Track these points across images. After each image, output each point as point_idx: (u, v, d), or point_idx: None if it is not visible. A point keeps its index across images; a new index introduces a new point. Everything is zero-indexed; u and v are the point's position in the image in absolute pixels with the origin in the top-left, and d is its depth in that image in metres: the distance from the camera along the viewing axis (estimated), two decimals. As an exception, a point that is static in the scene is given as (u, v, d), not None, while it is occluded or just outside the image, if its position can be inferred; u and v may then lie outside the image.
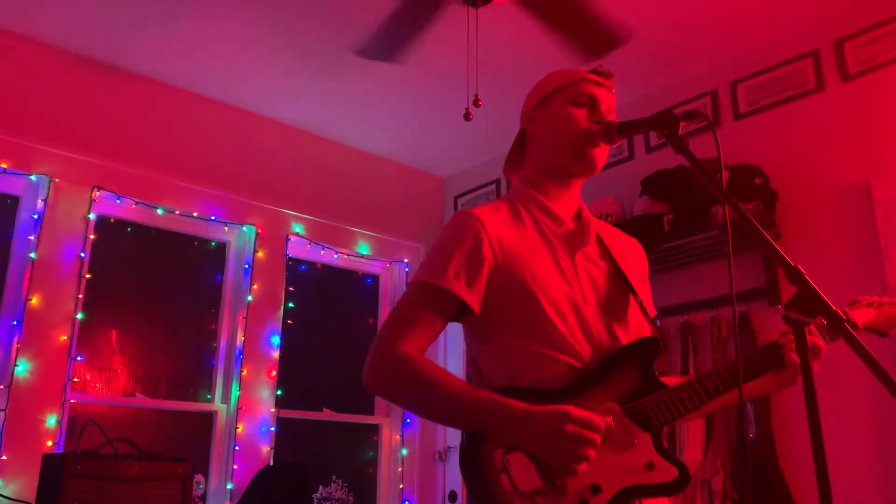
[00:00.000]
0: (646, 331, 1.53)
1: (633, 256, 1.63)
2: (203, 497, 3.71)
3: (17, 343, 3.29)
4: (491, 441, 1.32)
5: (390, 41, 3.11)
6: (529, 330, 1.42)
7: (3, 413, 3.19)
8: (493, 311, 1.45)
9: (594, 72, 1.56)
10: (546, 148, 1.57)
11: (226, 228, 4.15)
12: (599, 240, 1.58)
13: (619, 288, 1.53)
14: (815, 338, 1.43)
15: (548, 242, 1.51)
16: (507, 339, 1.44)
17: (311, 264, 4.55)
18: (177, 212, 3.92)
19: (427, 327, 1.43)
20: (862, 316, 1.50)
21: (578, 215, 1.58)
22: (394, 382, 1.42)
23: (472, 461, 1.33)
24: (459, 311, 1.46)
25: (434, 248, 1.51)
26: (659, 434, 1.36)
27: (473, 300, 1.43)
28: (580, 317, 1.44)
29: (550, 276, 1.46)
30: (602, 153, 1.53)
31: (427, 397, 1.39)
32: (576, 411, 1.26)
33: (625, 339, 1.47)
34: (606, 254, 1.57)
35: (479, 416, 1.33)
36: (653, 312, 1.58)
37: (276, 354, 4.12)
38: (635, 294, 1.53)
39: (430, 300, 1.44)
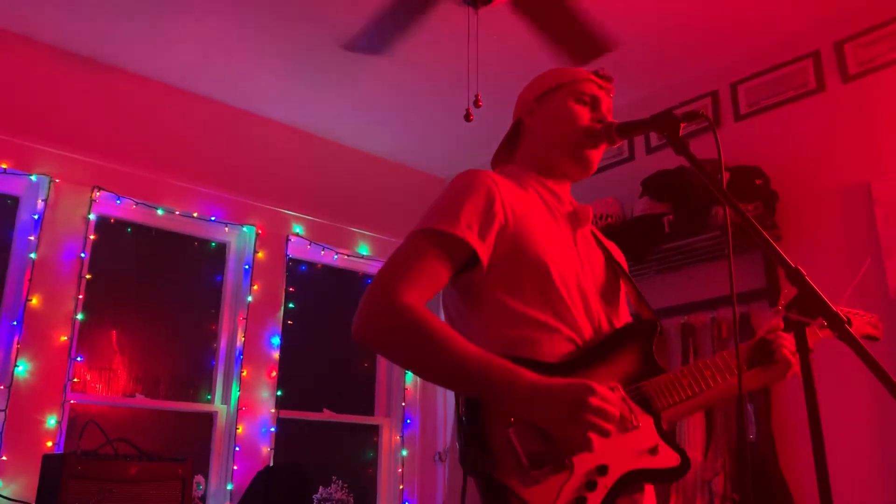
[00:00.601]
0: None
1: (618, 258, 1.62)
2: (203, 498, 3.71)
3: (18, 343, 3.29)
4: (495, 412, 1.24)
5: (378, 35, 3.10)
6: (534, 295, 1.36)
7: (3, 413, 3.19)
8: (496, 271, 1.37)
9: (595, 73, 1.57)
10: (544, 142, 1.56)
11: (226, 229, 4.15)
12: (591, 230, 1.59)
13: (612, 276, 1.53)
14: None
15: (552, 215, 1.49)
16: (505, 304, 1.36)
17: (311, 265, 4.55)
18: (177, 212, 3.92)
19: (432, 278, 1.32)
20: None
21: (571, 203, 1.58)
22: (392, 334, 1.28)
23: (474, 433, 1.24)
24: (464, 266, 1.36)
25: (442, 199, 1.40)
26: (660, 418, 1.34)
27: (485, 253, 1.35)
28: (582, 293, 1.42)
29: (558, 245, 1.43)
30: (598, 154, 1.53)
31: (431, 354, 1.26)
32: (598, 386, 1.21)
33: (618, 325, 1.46)
34: (600, 243, 1.57)
35: (488, 382, 1.23)
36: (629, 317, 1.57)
37: (276, 355, 4.12)
38: (630, 281, 1.53)
39: (438, 248, 1.33)
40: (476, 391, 1.26)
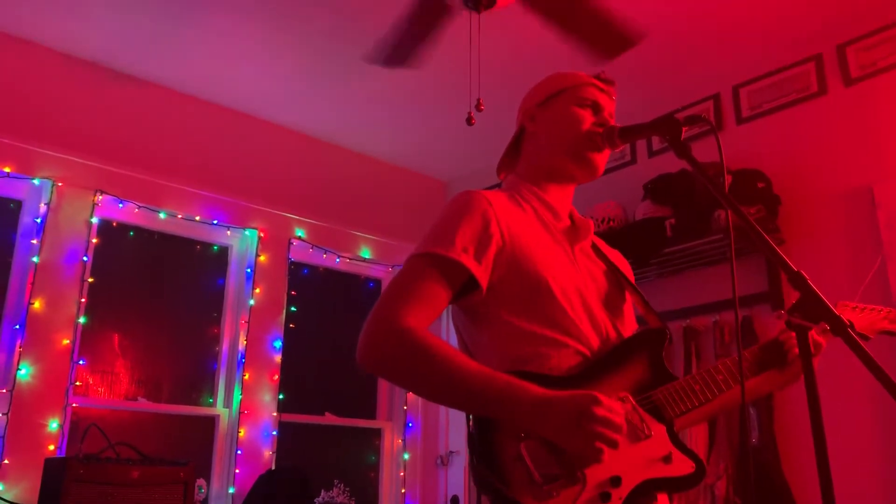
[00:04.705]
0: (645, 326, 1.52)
1: (621, 265, 1.61)
2: (205, 501, 3.71)
3: (20, 347, 3.29)
4: (504, 428, 1.24)
5: (401, 47, 3.10)
6: (537, 313, 1.36)
7: (5, 417, 3.19)
8: (497, 291, 1.37)
9: (597, 77, 1.57)
10: (547, 147, 1.55)
11: (228, 232, 4.15)
12: (592, 242, 1.58)
13: (616, 286, 1.52)
14: (814, 335, 1.42)
15: (549, 232, 1.49)
16: (511, 323, 1.37)
17: (313, 268, 4.55)
18: (179, 216, 3.93)
19: (432, 301, 1.32)
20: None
21: (571, 216, 1.58)
22: (397, 359, 1.28)
23: (484, 450, 1.24)
24: (463, 289, 1.37)
25: (438, 223, 1.40)
26: (673, 426, 1.33)
27: (482, 275, 1.35)
28: (586, 306, 1.41)
29: (557, 261, 1.43)
30: (603, 158, 1.53)
31: (436, 376, 1.26)
32: (603, 397, 1.20)
33: (625, 335, 1.45)
34: (601, 253, 1.57)
35: (495, 400, 1.23)
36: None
37: (278, 358, 4.12)
38: (635, 290, 1.52)
39: (436, 272, 1.33)
40: (483, 409, 1.26)
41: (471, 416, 1.29)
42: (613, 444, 1.19)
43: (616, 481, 1.24)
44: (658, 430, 1.32)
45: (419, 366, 1.27)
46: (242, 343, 4.00)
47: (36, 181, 3.52)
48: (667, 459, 1.30)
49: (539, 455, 1.23)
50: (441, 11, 2.91)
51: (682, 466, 1.30)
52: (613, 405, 1.22)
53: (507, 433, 1.25)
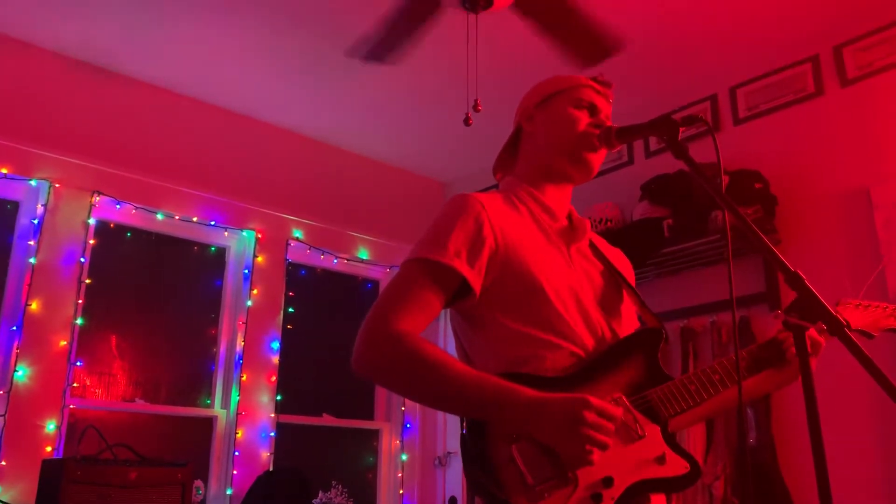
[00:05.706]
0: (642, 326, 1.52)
1: (621, 264, 1.62)
2: (202, 503, 3.70)
3: (17, 348, 3.28)
4: (496, 430, 1.26)
5: (386, 42, 3.10)
6: (532, 315, 1.37)
7: (2, 418, 3.18)
8: (492, 294, 1.39)
9: (594, 80, 1.57)
10: (544, 147, 1.56)
11: (226, 233, 4.15)
12: (590, 241, 1.58)
13: (613, 285, 1.53)
14: (814, 335, 1.42)
15: (544, 233, 1.49)
16: (506, 325, 1.38)
17: (310, 269, 4.55)
18: (176, 217, 3.92)
19: (425, 306, 1.34)
20: (850, 317, 1.50)
21: (569, 216, 1.58)
22: (391, 363, 1.30)
23: (477, 452, 1.26)
24: (457, 294, 1.38)
25: (432, 227, 1.42)
26: (667, 426, 1.33)
27: (475, 279, 1.36)
28: (581, 307, 1.42)
29: (551, 263, 1.43)
30: (599, 158, 1.53)
31: (428, 380, 1.28)
32: (593, 399, 1.22)
33: (622, 334, 1.46)
34: (598, 253, 1.57)
35: (486, 403, 1.25)
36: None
37: (275, 359, 4.11)
38: (632, 289, 1.53)
39: (429, 277, 1.34)
40: (478, 413, 1.27)
41: (464, 419, 1.30)
42: (603, 447, 1.20)
43: (608, 482, 1.25)
44: (652, 430, 1.32)
45: (413, 371, 1.29)
46: (240, 344, 3.99)
47: (33, 182, 3.51)
48: (660, 460, 1.30)
49: (531, 457, 1.24)
50: (430, 9, 2.90)
51: (676, 467, 1.30)
52: (605, 408, 1.22)
53: (499, 435, 1.26)
